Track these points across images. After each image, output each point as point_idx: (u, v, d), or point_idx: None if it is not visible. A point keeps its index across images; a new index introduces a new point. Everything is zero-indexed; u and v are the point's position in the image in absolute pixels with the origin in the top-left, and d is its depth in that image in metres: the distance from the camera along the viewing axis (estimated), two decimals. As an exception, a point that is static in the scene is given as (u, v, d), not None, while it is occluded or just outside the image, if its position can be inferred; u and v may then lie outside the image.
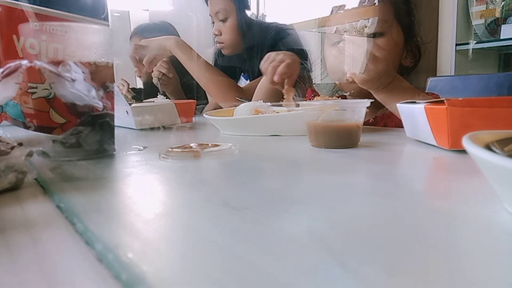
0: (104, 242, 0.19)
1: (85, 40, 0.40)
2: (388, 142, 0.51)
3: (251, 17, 1.29)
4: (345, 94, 0.85)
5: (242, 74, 1.34)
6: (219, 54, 1.31)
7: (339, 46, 0.78)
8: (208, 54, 1.30)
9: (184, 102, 0.84)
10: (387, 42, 0.75)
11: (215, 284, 0.15)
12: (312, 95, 0.94)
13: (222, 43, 1.24)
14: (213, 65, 1.33)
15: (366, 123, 0.78)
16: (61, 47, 0.39)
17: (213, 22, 1.24)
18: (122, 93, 1.23)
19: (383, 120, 0.78)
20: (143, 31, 1.43)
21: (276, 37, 1.19)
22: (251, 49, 1.23)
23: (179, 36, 1.47)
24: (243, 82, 1.33)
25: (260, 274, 0.16)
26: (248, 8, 1.25)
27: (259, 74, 1.25)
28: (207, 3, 1.23)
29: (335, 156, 0.42)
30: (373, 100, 0.48)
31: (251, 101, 0.75)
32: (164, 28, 1.48)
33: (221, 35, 1.23)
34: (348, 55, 0.72)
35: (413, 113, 0.47)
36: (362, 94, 0.78)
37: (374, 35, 0.75)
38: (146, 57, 1.06)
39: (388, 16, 0.76)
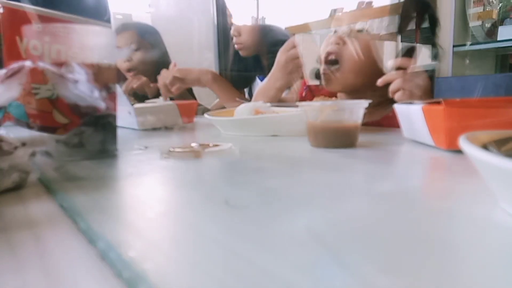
0: (106, 240, 0.19)
1: (88, 41, 0.41)
2: (386, 142, 0.51)
3: (251, 20, 1.29)
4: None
5: (258, 76, 1.32)
6: (235, 55, 1.29)
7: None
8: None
9: (186, 103, 0.85)
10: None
11: (216, 282, 0.15)
12: (306, 87, 0.94)
13: (241, 43, 1.22)
14: (230, 65, 1.32)
15: (371, 123, 0.77)
16: (64, 48, 0.39)
17: (231, 23, 1.23)
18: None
19: (385, 120, 0.78)
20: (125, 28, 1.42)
21: (265, 33, 1.21)
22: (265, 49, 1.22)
23: (161, 39, 1.44)
24: (257, 84, 1.32)
25: (260, 272, 0.16)
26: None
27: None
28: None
29: (333, 156, 0.42)
30: (371, 101, 0.48)
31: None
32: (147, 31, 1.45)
33: (240, 35, 1.21)
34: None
35: (410, 113, 0.47)
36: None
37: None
38: (176, 87, 1.06)
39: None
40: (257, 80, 1.33)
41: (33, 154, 0.31)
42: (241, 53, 1.24)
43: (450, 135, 0.39)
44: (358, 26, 0.75)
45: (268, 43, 1.21)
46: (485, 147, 0.23)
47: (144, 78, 1.27)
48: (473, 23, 1.85)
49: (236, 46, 1.23)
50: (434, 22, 0.79)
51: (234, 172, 0.36)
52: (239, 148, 0.45)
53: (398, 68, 0.66)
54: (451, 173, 0.35)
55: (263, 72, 1.27)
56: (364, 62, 0.73)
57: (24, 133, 0.42)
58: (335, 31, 0.79)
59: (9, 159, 0.29)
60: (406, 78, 0.64)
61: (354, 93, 0.80)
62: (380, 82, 0.66)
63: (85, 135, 0.41)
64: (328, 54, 0.76)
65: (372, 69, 0.73)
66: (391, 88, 0.65)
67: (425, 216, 0.23)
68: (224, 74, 1.28)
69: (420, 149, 0.45)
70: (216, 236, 0.20)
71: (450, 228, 0.21)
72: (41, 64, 0.37)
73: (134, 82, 1.26)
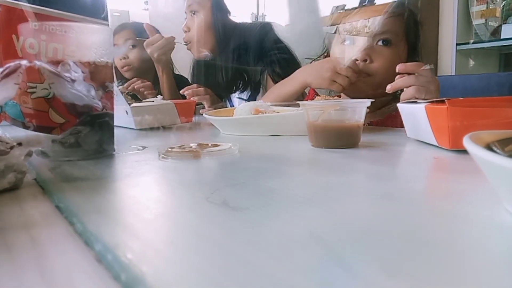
0: (103, 242, 0.19)
1: (84, 39, 0.40)
2: (389, 142, 0.51)
3: (251, 17, 1.25)
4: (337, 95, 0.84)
5: (239, 91, 1.21)
6: (196, 68, 1.22)
7: (344, 45, 0.78)
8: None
9: (184, 102, 0.84)
10: (392, 53, 0.75)
11: (214, 285, 0.15)
12: (314, 94, 0.93)
13: (189, 42, 1.14)
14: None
15: (373, 123, 0.77)
16: (61, 46, 0.39)
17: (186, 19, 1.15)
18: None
19: (389, 119, 0.78)
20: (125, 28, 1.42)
21: (261, 32, 1.14)
22: (236, 50, 1.14)
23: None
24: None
25: (259, 274, 0.16)
26: (228, 12, 1.17)
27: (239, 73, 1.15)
28: None
29: (335, 156, 0.42)
30: (373, 100, 0.48)
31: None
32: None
33: (189, 31, 1.14)
34: (348, 55, 0.72)
35: (414, 113, 0.47)
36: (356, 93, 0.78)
37: (385, 42, 0.75)
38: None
39: (399, 30, 0.77)
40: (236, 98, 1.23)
41: (29, 154, 0.31)
42: (191, 50, 1.16)
43: (454, 135, 0.39)
44: (360, 23, 0.75)
45: (223, 44, 1.14)
46: (489, 147, 0.23)
47: (148, 82, 1.25)
48: (477, 21, 1.86)
49: (183, 43, 1.16)
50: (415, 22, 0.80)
51: (233, 173, 0.36)
52: (239, 148, 0.45)
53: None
54: (455, 173, 0.35)
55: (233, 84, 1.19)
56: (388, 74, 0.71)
57: (20, 132, 0.42)
58: (337, 28, 0.78)
59: (5, 159, 0.29)
60: (418, 84, 0.61)
61: (356, 93, 0.80)
62: (389, 89, 0.64)
63: (81, 134, 0.40)
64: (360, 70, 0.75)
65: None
66: (403, 97, 0.63)
67: (429, 217, 0.23)
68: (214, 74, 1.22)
69: (424, 148, 0.45)
70: (215, 238, 0.20)
71: (453, 229, 0.21)
72: (38, 63, 0.37)
73: (138, 83, 1.25)
